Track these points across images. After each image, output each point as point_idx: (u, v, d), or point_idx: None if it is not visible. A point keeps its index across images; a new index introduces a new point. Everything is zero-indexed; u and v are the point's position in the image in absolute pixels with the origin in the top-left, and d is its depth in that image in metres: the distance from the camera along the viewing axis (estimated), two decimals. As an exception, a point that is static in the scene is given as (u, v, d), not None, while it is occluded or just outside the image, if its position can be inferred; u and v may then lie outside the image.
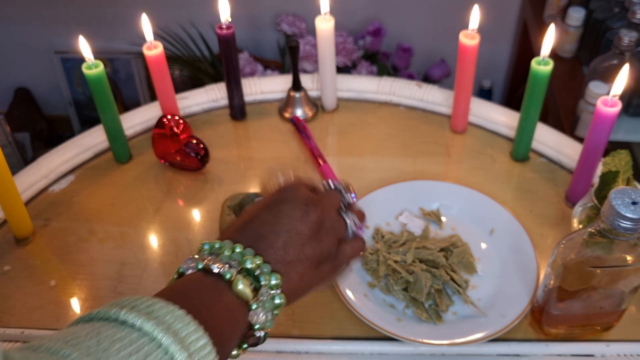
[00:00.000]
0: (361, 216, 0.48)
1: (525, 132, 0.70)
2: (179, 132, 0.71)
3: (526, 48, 1.40)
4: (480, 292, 0.58)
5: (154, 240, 0.65)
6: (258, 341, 0.38)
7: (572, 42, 1.18)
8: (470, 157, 0.74)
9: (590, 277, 0.49)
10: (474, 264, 0.60)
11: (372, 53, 1.49)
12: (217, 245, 0.39)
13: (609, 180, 0.56)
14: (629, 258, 0.47)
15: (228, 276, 0.37)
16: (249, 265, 0.38)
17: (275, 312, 0.39)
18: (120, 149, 0.74)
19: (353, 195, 0.47)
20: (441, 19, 1.50)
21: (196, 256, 0.39)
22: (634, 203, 0.43)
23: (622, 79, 0.58)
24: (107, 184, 0.72)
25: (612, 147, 0.59)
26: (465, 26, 0.68)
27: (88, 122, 1.77)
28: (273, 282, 0.38)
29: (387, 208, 0.65)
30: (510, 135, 0.76)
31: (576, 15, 1.14)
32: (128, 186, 0.72)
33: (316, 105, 0.81)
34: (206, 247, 0.39)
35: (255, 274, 0.38)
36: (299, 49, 0.76)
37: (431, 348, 0.54)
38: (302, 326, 0.57)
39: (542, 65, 0.63)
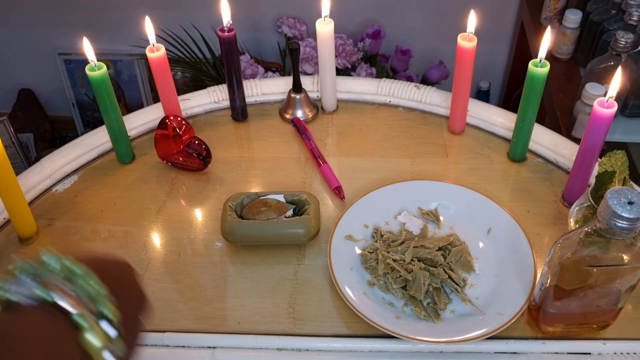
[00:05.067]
0: None
1: (522, 132, 0.71)
2: (181, 133, 0.71)
3: (523, 50, 1.41)
4: (478, 290, 0.59)
5: (156, 240, 0.66)
6: None
7: (569, 43, 1.19)
8: (468, 158, 0.75)
9: (587, 276, 0.49)
10: (472, 263, 0.61)
11: (371, 55, 1.49)
12: (57, 265, 0.29)
13: (605, 180, 0.56)
14: (625, 257, 0.47)
15: (83, 324, 0.28)
16: (106, 314, 0.30)
17: None
18: (123, 150, 0.74)
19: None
20: (439, 21, 1.50)
21: (24, 269, 0.29)
22: (630, 203, 0.44)
23: (617, 82, 0.58)
24: (110, 184, 0.73)
25: (609, 147, 0.59)
26: (463, 29, 0.69)
27: (91, 123, 1.78)
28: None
29: (386, 208, 0.66)
30: (508, 136, 0.77)
31: (573, 17, 1.14)
32: (131, 186, 0.72)
33: (316, 106, 0.82)
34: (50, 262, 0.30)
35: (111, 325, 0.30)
36: (299, 51, 0.77)
37: (429, 346, 0.55)
38: (302, 324, 0.57)
39: (539, 66, 0.64)
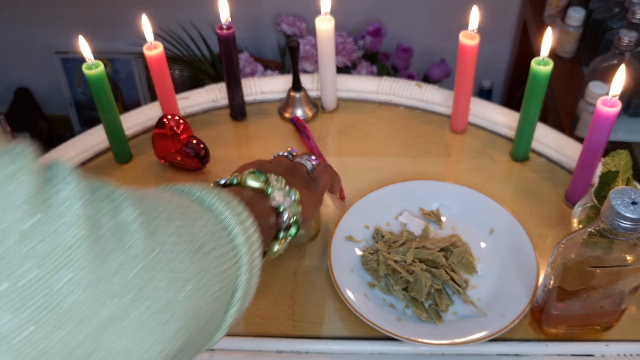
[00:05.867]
0: (310, 154, 0.58)
1: (525, 132, 0.70)
2: (179, 132, 0.71)
3: (526, 48, 1.40)
4: (480, 291, 0.58)
5: (154, 240, 0.65)
6: (289, 227, 0.46)
7: (572, 42, 1.18)
8: (470, 157, 0.74)
9: (590, 277, 0.49)
10: (474, 264, 0.60)
11: (372, 53, 1.49)
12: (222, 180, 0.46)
13: (608, 180, 0.56)
14: (628, 258, 0.47)
15: (236, 181, 0.45)
16: (253, 171, 0.46)
17: (293, 198, 0.46)
18: (120, 149, 0.74)
19: (294, 150, 0.58)
20: (441, 19, 1.50)
21: None
22: (633, 203, 0.43)
23: (620, 79, 0.58)
24: (108, 184, 0.72)
25: (612, 147, 0.59)
26: (465, 26, 0.68)
27: (88, 122, 1.77)
28: (278, 180, 0.47)
29: (387, 208, 0.65)
30: (510, 136, 0.76)
31: (576, 16, 1.14)
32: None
33: (316, 105, 0.81)
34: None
35: (261, 176, 0.46)
36: (299, 49, 0.76)
37: (431, 348, 0.54)
38: (302, 326, 0.57)
39: (541, 65, 0.63)
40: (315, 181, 0.54)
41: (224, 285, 0.34)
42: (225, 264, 0.34)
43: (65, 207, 0.25)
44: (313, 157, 0.56)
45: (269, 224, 0.45)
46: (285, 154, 0.56)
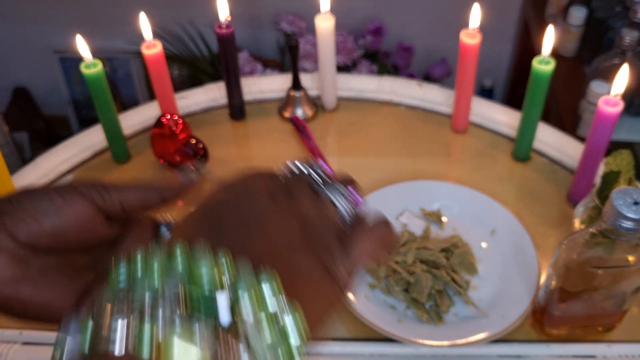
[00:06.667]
0: (351, 183, 0.29)
1: (526, 131, 0.70)
2: (177, 131, 0.70)
3: (527, 47, 1.40)
4: (481, 292, 0.58)
5: (152, 241, 0.65)
6: None
7: (574, 41, 1.18)
8: (471, 157, 0.74)
9: (592, 278, 0.49)
10: (475, 265, 0.60)
11: (372, 52, 1.48)
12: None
13: (610, 180, 0.55)
14: (630, 258, 0.47)
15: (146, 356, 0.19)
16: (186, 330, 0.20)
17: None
18: (118, 149, 0.73)
19: (322, 166, 0.31)
20: (442, 18, 1.49)
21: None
22: (635, 203, 0.43)
23: (622, 78, 0.57)
24: (106, 184, 0.72)
25: (614, 146, 0.58)
26: (466, 25, 0.67)
27: (87, 121, 1.76)
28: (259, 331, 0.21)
29: (388, 208, 0.65)
30: (512, 135, 0.76)
31: (577, 15, 1.13)
32: (127, 186, 0.71)
33: (316, 104, 0.81)
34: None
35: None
36: (298, 48, 0.76)
37: (432, 349, 0.54)
38: (302, 327, 0.56)
39: (543, 64, 0.63)
40: (347, 248, 0.26)
41: None
42: None
43: None
44: (351, 188, 0.29)
45: None
46: (306, 168, 0.29)
